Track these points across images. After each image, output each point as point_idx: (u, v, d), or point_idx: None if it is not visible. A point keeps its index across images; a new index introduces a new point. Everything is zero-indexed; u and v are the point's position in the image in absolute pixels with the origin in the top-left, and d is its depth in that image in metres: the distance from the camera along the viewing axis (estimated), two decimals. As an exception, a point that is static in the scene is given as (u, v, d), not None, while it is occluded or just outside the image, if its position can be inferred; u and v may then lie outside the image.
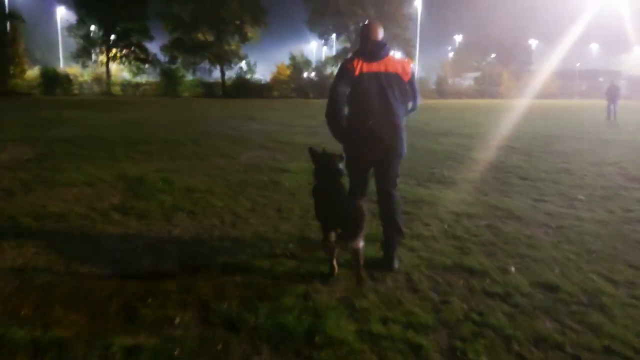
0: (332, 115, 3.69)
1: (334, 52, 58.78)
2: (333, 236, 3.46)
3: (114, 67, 51.04)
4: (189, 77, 51.44)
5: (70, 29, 50.06)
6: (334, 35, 58.98)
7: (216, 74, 52.95)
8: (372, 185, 3.99)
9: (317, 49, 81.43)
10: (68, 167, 7.70)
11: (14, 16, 44.22)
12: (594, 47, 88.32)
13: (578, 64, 70.59)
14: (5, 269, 3.57)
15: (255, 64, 52.94)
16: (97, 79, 49.06)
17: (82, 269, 3.60)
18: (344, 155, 3.72)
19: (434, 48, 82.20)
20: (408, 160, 9.00)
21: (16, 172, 7.27)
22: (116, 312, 2.93)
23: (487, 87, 59.16)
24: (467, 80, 66.47)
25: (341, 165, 3.61)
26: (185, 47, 50.12)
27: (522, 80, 57.57)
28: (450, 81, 61.11)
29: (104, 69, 49.70)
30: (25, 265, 3.64)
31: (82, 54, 49.59)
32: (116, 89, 48.76)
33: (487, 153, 10.14)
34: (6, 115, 19.30)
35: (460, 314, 3.01)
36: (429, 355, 2.56)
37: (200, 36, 50.85)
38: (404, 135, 3.76)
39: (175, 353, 2.54)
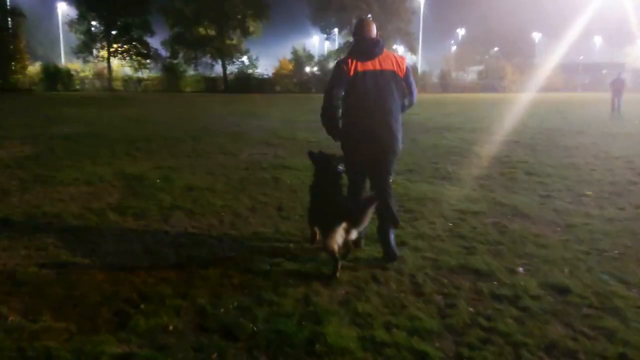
0: (328, 117, 3.72)
1: (336, 46, 58.41)
2: (337, 234, 3.34)
3: (115, 62, 50.83)
4: (191, 72, 51.31)
5: (71, 24, 49.85)
6: (336, 29, 58.59)
7: (218, 68, 52.87)
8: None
9: (320, 43, 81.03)
10: (67, 164, 7.60)
11: (15, 12, 44.22)
12: (598, 40, 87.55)
13: (581, 57, 70.13)
14: (-5, 272, 3.45)
15: (257, 58, 52.85)
16: (98, 75, 48.97)
17: (74, 272, 3.48)
18: (342, 156, 3.74)
19: (437, 42, 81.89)
20: (411, 155, 8.99)
21: (14, 169, 7.18)
22: (107, 319, 2.82)
23: (490, 81, 58.81)
24: (471, 74, 66.11)
25: (340, 167, 3.63)
26: (187, 42, 49.99)
27: (525, 73, 57.19)
28: (453, 75, 60.65)
29: (105, 64, 49.55)
30: (15, 268, 3.53)
31: (83, 50, 49.36)
32: (117, 85, 48.68)
33: (491, 148, 9.98)
34: (6, 112, 19.21)
35: (467, 318, 2.88)
36: (435, 364, 2.44)
37: (201, 31, 50.64)
38: (400, 134, 3.75)
39: (168, 363, 2.42)
